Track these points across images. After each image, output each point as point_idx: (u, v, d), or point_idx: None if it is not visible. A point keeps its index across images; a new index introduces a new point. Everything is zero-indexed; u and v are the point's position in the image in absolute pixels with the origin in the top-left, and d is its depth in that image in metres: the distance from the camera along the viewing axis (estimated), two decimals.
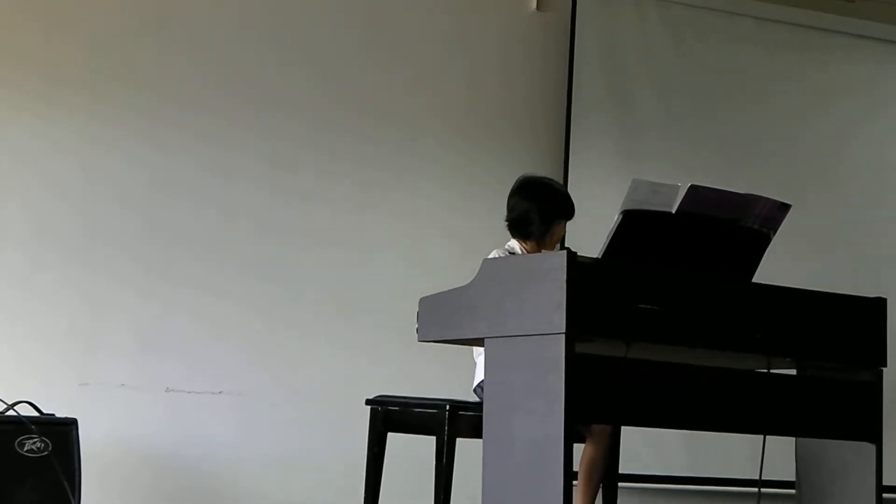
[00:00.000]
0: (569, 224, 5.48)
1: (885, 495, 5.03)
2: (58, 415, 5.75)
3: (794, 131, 8.00)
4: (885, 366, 5.02)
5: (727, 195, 4.61)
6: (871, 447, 4.99)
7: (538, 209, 5.32)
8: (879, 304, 5.02)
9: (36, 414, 5.71)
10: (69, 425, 5.70)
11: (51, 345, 6.43)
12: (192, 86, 6.80)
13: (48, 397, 5.84)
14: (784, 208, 4.70)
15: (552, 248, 5.35)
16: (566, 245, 5.63)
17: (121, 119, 6.64)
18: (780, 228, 4.78)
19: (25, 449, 5.57)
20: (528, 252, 5.28)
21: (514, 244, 5.32)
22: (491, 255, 5.14)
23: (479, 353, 5.10)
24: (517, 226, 5.36)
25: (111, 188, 6.62)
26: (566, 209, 5.38)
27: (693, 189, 4.52)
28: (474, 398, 5.14)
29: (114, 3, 6.71)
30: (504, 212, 5.40)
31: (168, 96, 6.73)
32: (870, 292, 5.07)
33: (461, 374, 5.41)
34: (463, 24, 7.35)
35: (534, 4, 7.45)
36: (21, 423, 5.59)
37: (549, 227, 5.33)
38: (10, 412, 5.62)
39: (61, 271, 6.50)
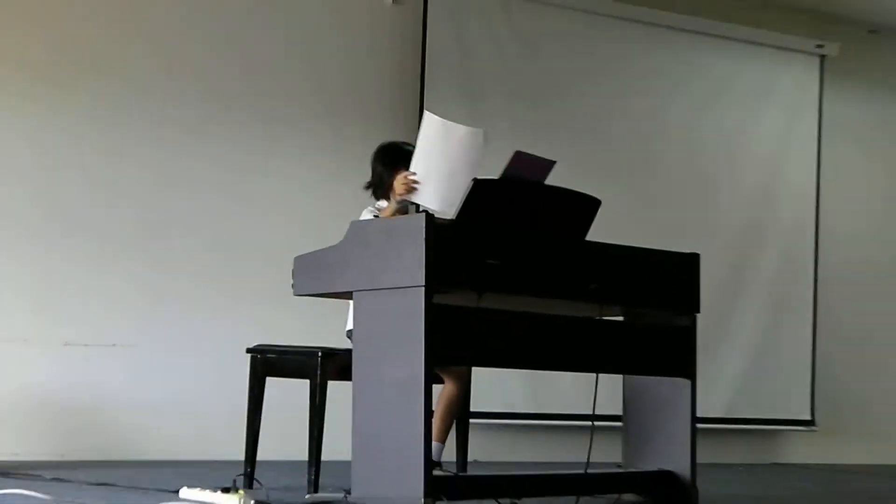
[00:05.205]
0: None
1: (697, 425, 5.17)
2: None
3: (618, 115, 8.12)
4: (699, 311, 5.16)
5: (538, 160, 4.70)
6: (687, 382, 5.13)
7: (386, 166, 5.24)
8: (693, 258, 5.17)
9: None
10: None
11: None
12: None
13: None
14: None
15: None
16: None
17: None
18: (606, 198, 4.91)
19: None
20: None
21: (382, 203, 5.28)
22: (363, 215, 5.15)
23: (350, 304, 5.11)
24: (375, 188, 5.31)
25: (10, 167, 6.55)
26: (408, 157, 5.20)
27: (517, 154, 4.61)
28: (346, 344, 5.14)
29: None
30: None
31: None
32: (678, 247, 5.20)
33: (332, 323, 5.43)
34: (334, 16, 7.41)
35: None
36: None
37: (393, 175, 5.16)
38: None
39: None
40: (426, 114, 5.06)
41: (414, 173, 4.99)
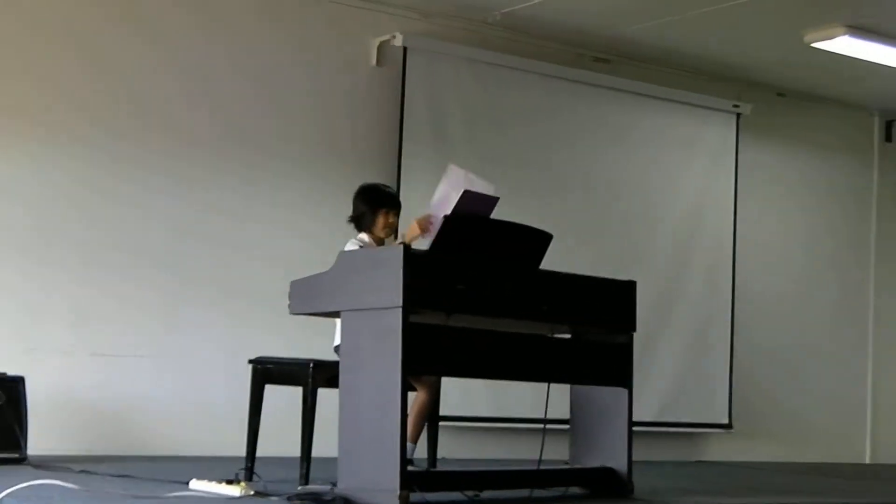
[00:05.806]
0: (401, 225, 5.40)
1: (633, 428, 5.15)
2: (9, 374, 5.64)
3: (570, 162, 8.04)
4: (635, 331, 5.15)
5: (483, 196, 4.70)
6: (625, 391, 5.12)
7: (367, 204, 5.21)
8: (630, 285, 5.16)
9: None
10: (18, 382, 5.62)
11: (3, 320, 6.23)
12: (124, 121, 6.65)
13: (1, 360, 5.72)
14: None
15: (385, 234, 5.21)
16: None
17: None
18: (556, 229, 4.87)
19: None
20: (373, 240, 5.19)
21: (364, 236, 5.22)
22: (347, 245, 5.08)
23: (337, 322, 5.05)
24: (357, 221, 5.26)
25: (59, 195, 6.43)
26: (389, 201, 5.24)
27: (466, 192, 4.62)
28: (334, 357, 5.09)
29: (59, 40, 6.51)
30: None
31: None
32: (618, 275, 5.18)
33: (322, 339, 5.35)
34: (321, 76, 7.27)
35: (374, 61, 7.41)
36: None
37: (376, 216, 5.16)
38: None
39: (14, 264, 6.29)
40: (451, 166, 4.94)
41: (431, 215, 4.87)
